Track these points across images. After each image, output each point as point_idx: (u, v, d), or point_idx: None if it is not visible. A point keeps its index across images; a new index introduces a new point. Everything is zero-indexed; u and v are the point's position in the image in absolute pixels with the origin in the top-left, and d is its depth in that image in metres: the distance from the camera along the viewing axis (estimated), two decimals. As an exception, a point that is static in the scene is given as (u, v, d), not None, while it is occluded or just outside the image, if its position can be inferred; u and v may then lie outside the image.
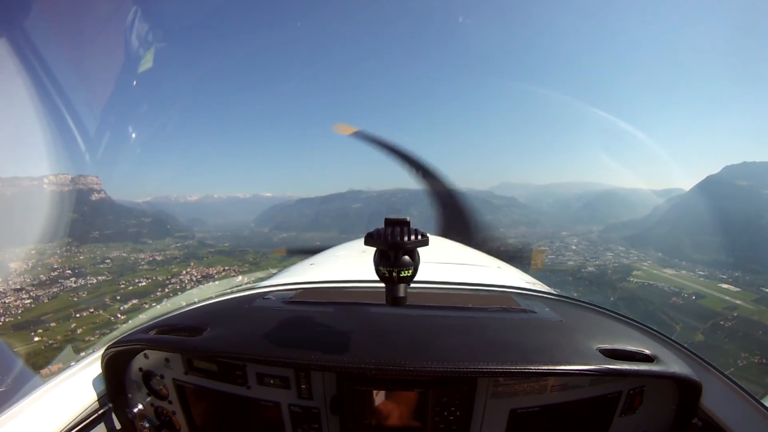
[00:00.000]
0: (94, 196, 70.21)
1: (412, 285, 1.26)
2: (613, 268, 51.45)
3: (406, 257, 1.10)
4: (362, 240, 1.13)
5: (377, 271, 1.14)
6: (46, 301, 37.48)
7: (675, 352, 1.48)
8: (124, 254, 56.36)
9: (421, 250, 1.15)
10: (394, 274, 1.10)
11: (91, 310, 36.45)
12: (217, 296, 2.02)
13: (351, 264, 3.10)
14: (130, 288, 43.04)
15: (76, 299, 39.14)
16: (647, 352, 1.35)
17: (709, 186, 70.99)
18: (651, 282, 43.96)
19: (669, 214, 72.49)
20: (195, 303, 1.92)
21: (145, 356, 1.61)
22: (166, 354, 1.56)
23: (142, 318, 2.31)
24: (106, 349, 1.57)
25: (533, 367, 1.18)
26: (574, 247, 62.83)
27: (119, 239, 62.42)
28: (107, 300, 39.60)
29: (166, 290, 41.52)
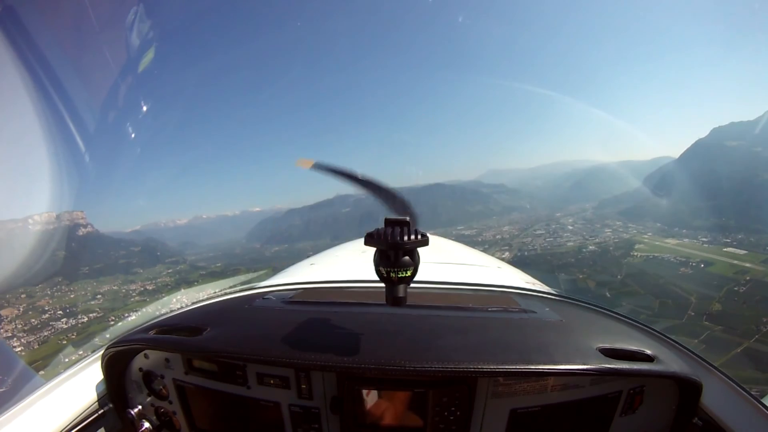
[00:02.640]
0: (81, 231, 68.06)
1: (412, 285, 1.25)
2: (614, 245, 50.47)
3: (406, 257, 1.10)
4: (362, 240, 1.13)
5: (377, 272, 1.14)
6: (36, 347, 35.84)
7: (675, 351, 1.48)
8: (114, 287, 54.61)
9: (421, 250, 1.15)
10: (394, 274, 1.10)
11: (80, 352, 34.49)
12: (217, 296, 2.00)
13: (351, 264, 3.10)
14: (119, 324, 41.35)
15: (65, 341, 37.41)
16: (647, 351, 1.33)
17: (698, 150, 70.82)
18: (656, 254, 43.08)
19: (662, 183, 71.94)
20: (195, 303, 1.89)
21: (145, 356, 1.59)
22: (166, 354, 1.55)
23: (142, 318, 2.13)
24: (106, 349, 1.55)
25: (533, 367, 1.18)
26: (570, 228, 62.20)
27: (110, 272, 60.52)
28: (96, 340, 37.84)
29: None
